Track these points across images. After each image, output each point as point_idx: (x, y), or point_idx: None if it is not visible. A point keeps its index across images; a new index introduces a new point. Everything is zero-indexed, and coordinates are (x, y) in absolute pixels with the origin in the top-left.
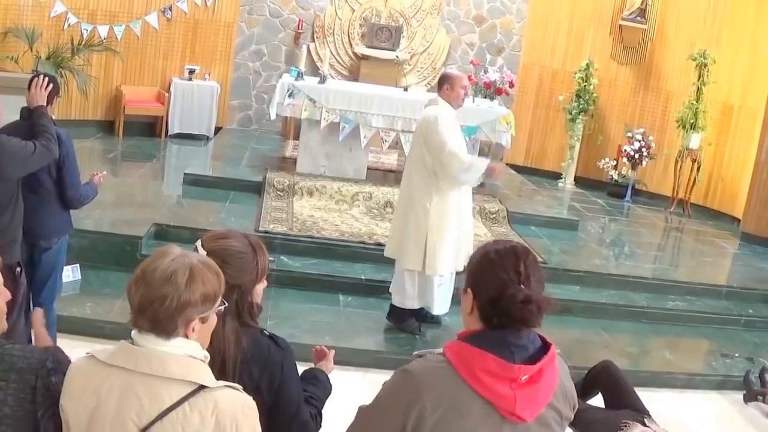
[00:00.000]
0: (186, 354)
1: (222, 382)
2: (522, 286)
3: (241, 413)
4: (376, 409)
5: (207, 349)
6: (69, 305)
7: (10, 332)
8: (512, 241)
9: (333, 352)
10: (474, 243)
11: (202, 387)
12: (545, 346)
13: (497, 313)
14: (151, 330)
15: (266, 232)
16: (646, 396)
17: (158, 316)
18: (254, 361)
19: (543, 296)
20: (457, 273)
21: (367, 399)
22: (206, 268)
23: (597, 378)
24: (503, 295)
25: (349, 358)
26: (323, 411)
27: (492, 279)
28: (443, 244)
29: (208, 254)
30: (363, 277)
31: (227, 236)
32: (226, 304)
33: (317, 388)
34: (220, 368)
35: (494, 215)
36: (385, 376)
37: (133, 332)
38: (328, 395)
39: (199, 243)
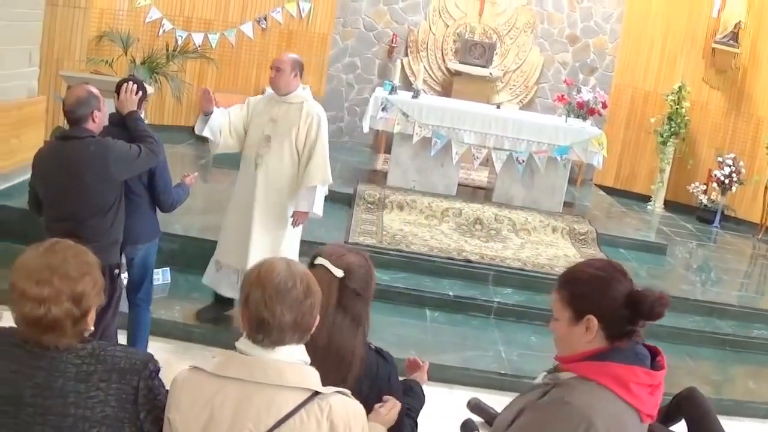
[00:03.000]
0: (299, 360)
1: (332, 388)
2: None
3: (353, 418)
4: None
5: (332, 363)
6: (158, 308)
7: (103, 332)
8: (595, 258)
9: (428, 364)
10: (563, 264)
11: (316, 393)
12: (651, 351)
13: (634, 321)
14: (297, 341)
15: (356, 244)
16: (729, 425)
17: (308, 327)
18: (365, 376)
19: (657, 290)
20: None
21: (452, 415)
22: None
23: (681, 404)
24: (638, 299)
25: (435, 374)
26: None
27: (614, 293)
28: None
29: None
30: (450, 293)
31: (347, 251)
32: None
33: (413, 399)
34: (341, 381)
35: (583, 236)
36: (471, 393)
37: (241, 342)
38: (422, 406)
39: (322, 260)
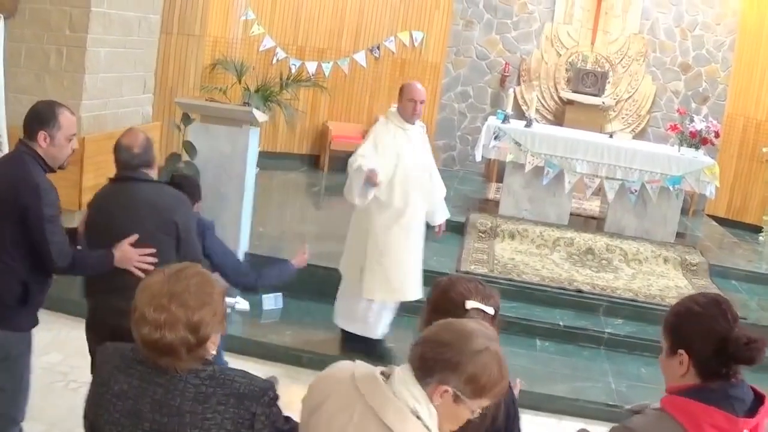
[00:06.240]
0: (412, 409)
1: None
2: (737, 329)
3: None
4: None
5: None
6: (269, 332)
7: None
8: (706, 293)
9: (518, 381)
10: (674, 295)
11: None
12: (758, 398)
13: (723, 362)
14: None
15: (467, 272)
16: None
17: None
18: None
19: (758, 334)
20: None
21: None
22: None
23: None
24: (728, 341)
25: (544, 404)
26: None
27: (707, 331)
28: (368, 268)
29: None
30: (561, 323)
31: (477, 283)
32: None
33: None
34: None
35: (695, 267)
36: (579, 423)
37: (401, 367)
38: None
39: (475, 303)
